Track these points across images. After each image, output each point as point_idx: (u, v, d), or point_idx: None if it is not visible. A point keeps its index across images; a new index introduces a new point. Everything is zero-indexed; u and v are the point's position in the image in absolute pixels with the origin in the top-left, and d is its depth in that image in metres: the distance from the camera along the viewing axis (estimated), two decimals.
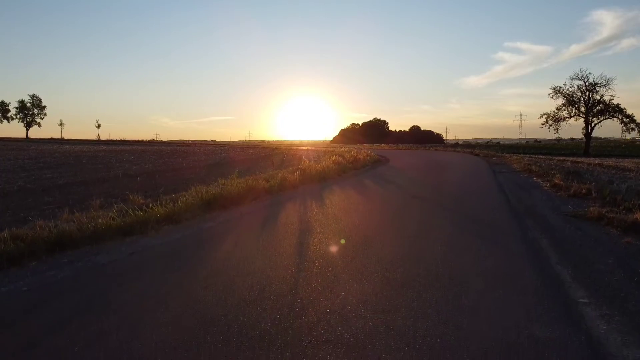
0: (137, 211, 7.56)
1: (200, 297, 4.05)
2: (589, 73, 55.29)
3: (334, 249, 5.76)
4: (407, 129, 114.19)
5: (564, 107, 54.95)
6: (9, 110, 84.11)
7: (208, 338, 3.23)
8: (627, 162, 27.40)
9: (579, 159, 31.55)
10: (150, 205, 7.96)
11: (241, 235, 6.75)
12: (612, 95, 52.24)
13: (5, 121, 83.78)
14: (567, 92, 54.57)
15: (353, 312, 3.66)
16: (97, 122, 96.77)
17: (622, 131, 54.77)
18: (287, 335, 3.26)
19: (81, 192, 10.04)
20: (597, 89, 52.79)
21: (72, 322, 3.55)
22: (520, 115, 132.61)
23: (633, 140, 77.04)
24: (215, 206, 8.92)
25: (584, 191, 10.98)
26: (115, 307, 3.86)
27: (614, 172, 18.76)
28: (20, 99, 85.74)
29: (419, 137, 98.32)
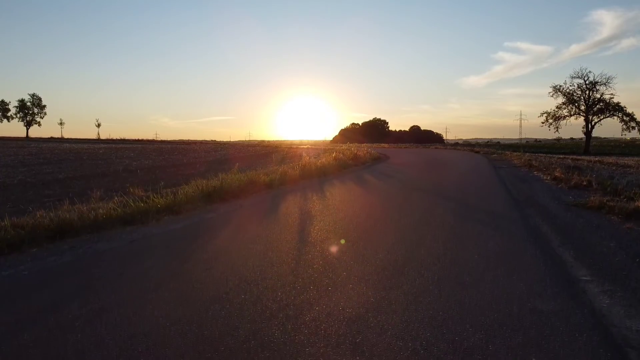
0: (138, 202, 7.55)
1: (202, 278, 4.04)
2: (589, 71, 55.16)
3: (334, 235, 5.75)
4: (407, 128, 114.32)
5: (564, 106, 54.87)
6: (9, 110, 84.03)
7: (210, 313, 3.22)
8: (627, 160, 27.40)
9: (579, 157, 31.54)
10: (151, 196, 7.95)
11: (242, 224, 6.74)
12: (612, 94, 52.16)
13: (5, 120, 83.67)
14: (568, 90, 54.50)
15: (355, 290, 3.66)
16: (97, 121, 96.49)
17: (622, 130, 54.60)
18: (288, 310, 3.25)
19: (81, 185, 10.03)
20: (597, 88, 52.72)
21: (73, 301, 3.54)
22: (520, 115, 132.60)
23: (633, 140, 76.99)
24: (215, 198, 8.90)
25: (584, 183, 10.97)
26: (116, 287, 3.85)
27: (614, 168, 18.74)
28: (20, 98, 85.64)
29: (419, 137, 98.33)
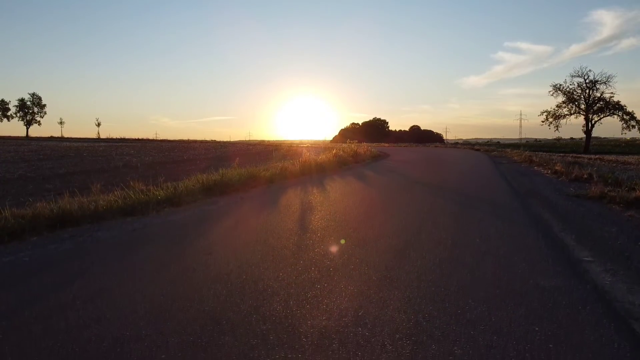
0: (138, 194, 7.54)
1: (203, 261, 4.03)
2: (589, 70, 54.96)
3: (335, 223, 5.73)
4: (407, 128, 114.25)
5: (564, 105, 54.76)
6: (9, 109, 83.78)
7: (211, 292, 3.21)
8: (627, 158, 27.41)
9: (579, 155, 31.56)
10: (151, 189, 7.94)
11: (243, 214, 6.73)
12: (612, 93, 52.06)
13: (5, 120, 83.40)
14: (568, 89, 54.41)
15: (356, 270, 3.65)
16: (97, 120, 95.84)
17: (622, 128, 54.40)
18: (290, 289, 3.24)
19: (81, 180, 10.02)
20: (597, 87, 52.62)
21: (74, 282, 3.53)
22: (521, 114, 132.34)
23: (633, 140, 76.85)
24: (216, 192, 8.89)
25: (585, 176, 10.96)
26: (117, 270, 3.84)
27: (614, 165, 18.76)
28: (20, 97, 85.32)
29: (419, 137, 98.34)
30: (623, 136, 62.23)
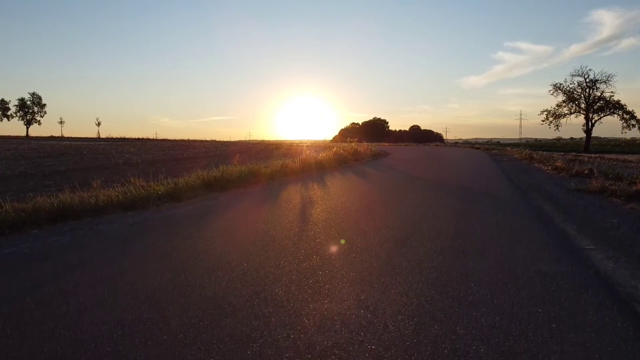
0: (139, 190, 7.53)
1: (204, 251, 4.03)
2: (589, 69, 54.86)
3: (336, 216, 5.73)
4: (407, 128, 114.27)
5: (564, 104, 54.66)
6: (9, 109, 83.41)
7: (212, 279, 3.20)
8: (628, 157, 27.40)
9: (579, 154, 31.52)
10: (152, 185, 7.93)
11: (244, 208, 6.72)
12: (612, 92, 51.94)
13: (5, 119, 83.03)
14: (568, 88, 54.30)
15: (358, 257, 3.64)
16: (97, 120, 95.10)
17: (622, 128, 54.22)
18: (291, 275, 3.23)
19: (82, 177, 10.01)
20: (598, 86, 52.51)
21: (75, 271, 3.52)
22: (521, 114, 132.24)
23: (633, 140, 76.70)
24: (216, 187, 8.88)
25: (585, 171, 10.95)
26: (118, 259, 3.83)
27: (615, 162, 18.75)
28: (20, 97, 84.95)
29: (419, 137, 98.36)
30: (623, 136, 61.93)
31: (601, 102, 53.19)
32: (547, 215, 5.57)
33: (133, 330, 2.35)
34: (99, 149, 25.25)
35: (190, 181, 8.67)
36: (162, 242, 4.50)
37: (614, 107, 52.47)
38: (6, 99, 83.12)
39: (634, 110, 51.20)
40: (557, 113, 55.41)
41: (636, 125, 52.47)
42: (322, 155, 16.67)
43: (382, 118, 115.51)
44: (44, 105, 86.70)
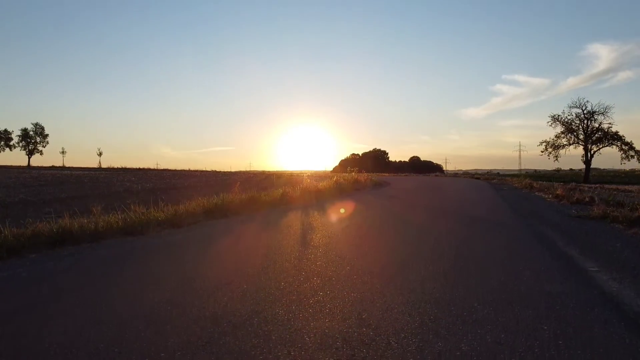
0: (139, 216, 7.52)
1: (203, 273, 3.98)
2: (587, 101, 55.77)
3: (336, 240, 5.69)
4: (407, 159, 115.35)
5: (563, 135, 55.17)
6: (11, 139, 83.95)
7: (211, 300, 3.15)
8: (628, 187, 27.42)
9: (579, 184, 31.55)
10: (152, 211, 7.92)
11: (244, 233, 6.69)
12: (610, 123, 52.52)
13: (7, 149, 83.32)
14: (566, 120, 54.95)
15: (359, 279, 3.59)
16: (99, 150, 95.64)
17: (621, 159, 54.47)
18: (292, 295, 3.18)
19: (82, 204, 10.00)
20: (595, 117, 53.18)
21: (72, 292, 3.48)
22: (520, 145, 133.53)
23: (632, 170, 77.00)
24: (216, 214, 8.87)
25: (586, 199, 10.95)
26: (117, 282, 3.79)
27: (615, 192, 18.75)
28: (22, 127, 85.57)
29: (419, 167, 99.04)
30: (622, 167, 62.07)
31: (599, 133, 53.64)
32: (550, 239, 5.54)
33: (130, 348, 2.30)
34: (100, 178, 25.36)
35: (191, 208, 8.67)
36: (162, 265, 4.46)
37: (613, 138, 52.86)
38: (9, 129, 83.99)
39: (633, 142, 51.55)
40: (556, 144, 55.75)
41: (635, 156, 52.70)
42: (322, 184, 16.72)
43: (381, 149, 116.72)
44: (47, 135, 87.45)
